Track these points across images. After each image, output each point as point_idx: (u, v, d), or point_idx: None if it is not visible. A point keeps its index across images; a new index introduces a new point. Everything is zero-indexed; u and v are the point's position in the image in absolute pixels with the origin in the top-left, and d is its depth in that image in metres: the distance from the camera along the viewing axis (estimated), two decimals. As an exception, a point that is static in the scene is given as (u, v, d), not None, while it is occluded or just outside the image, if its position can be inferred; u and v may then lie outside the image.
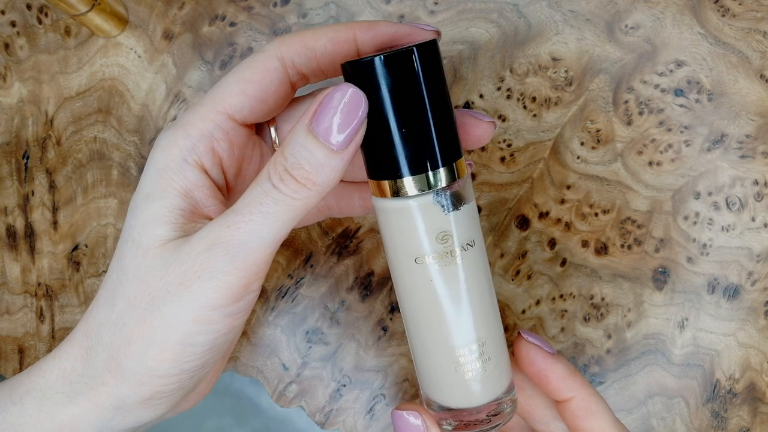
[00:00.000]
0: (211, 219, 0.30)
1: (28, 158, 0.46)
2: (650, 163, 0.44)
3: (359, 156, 0.30)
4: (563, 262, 0.44)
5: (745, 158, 0.43)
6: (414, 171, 0.29)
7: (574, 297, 0.44)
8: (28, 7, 0.46)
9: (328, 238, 0.45)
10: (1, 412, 0.30)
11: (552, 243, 0.44)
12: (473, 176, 0.44)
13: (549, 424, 0.37)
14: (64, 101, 0.45)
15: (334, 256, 0.45)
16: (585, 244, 0.44)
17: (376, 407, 0.45)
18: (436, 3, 0.44)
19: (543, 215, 0.44)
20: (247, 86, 0.30)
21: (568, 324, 0.44)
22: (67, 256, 0.46)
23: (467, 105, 0.44)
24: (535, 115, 0.44)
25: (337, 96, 0.27)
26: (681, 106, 0.44)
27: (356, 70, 0.29)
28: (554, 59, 0.44)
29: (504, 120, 0.44)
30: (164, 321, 0.28)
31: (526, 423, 0.38)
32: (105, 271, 0.44)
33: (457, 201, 0.30)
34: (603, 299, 0.44)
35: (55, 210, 0.46)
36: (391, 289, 0.44)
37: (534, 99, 0.44)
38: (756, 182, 0.43)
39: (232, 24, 0.45)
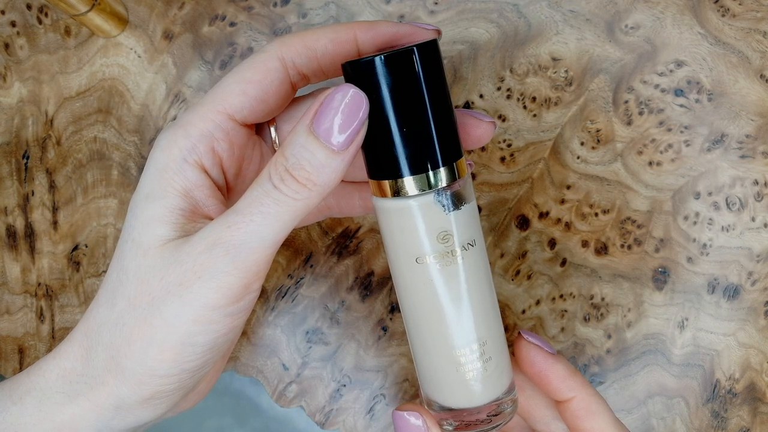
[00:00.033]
0: (211, 219, 0.30)
1: (28, 158, 0.46)
2: (650, 163, 0.44)
3: (359, 156, 0.30)
4: (563, 262, 0.44)
5: (745, 158, 0.43)
6: (414, 171, 0.29)
7: (574, 297, 0.44)
8: (28, 7, 0.46)
9: (328, 238, 0.45)
10: (1, 412, 0.30)
11: (552, 243, 0.44)
12: (473, 176, 0.44)
13: (549, 425, 0.37)
14: (64, 101, 0.45)
15: (334, 256, 0.45)
16: (585, 244, 0.44)
17: (376, 407, 0.45)
18: (436, 3, 0.44)
19: (543, 215, 0.44)
20: (247, 86, 0.30)
21: (568, 324, 0.44)
22: (67, 256, 0.46)
23: (467, 105, 0.44)
24: (535, 115, 0.44)
25: (338, 96, 0.27)
26: (681, 106, 0.44)
27: (357, 70, 0.29)
28: (554, 59, 0.44)
29: (504, 120, 0.44)
30: (164, 321, 0.28)
31: (526, 423, 0.38)
32: (105, 271, 0.44)
33: (457, 201, 0.30)
34: (603, 299, 0.44)
35: (55, 210, 0.46)
36: (391, 289, 0.44)
37: (534, 99, 0.44)
38: (756, 182, 0.43)
39: (232, 24, 0.45)
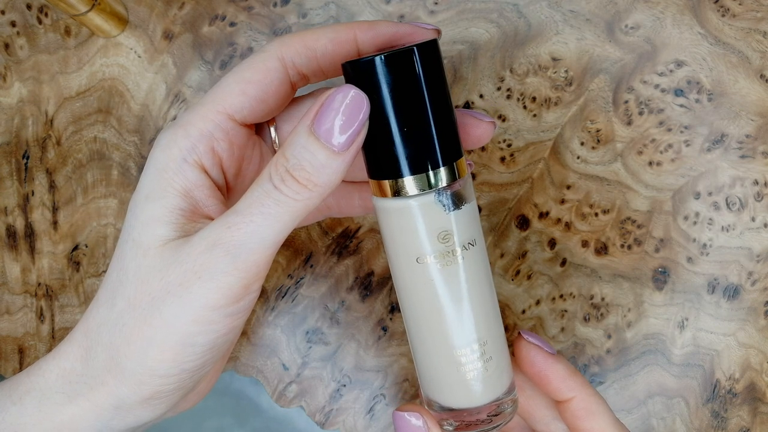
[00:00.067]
0: (211, 219, 0.30)
1: (28, 158, 0.46)
2: (650, 163, 0.44)
3: (359, 156, 0.30)
4: (563, 262, 0.44)
5: (745, 158, 0.43)
6: (414, 170, 0.29)
7: (574, 297, 0.44)
8: (28, 7, 0.46)
9: (328, 238, 0.45)
10: (1, 412, 0.30)
11: (552, 243, 0.44)
12: (473, 176, 0.44)
13: (549, 425, 0.37)
14: (64, 101, 0.45)
15: (334, 256, 0.45)
16: (585, 244, 0.44)
17: (376, 407, 0.45)
18: (436, 3, 0.44)
19: (543, 215, 0.44)
20: (247, 86, 0.30)
21: (568, 324, 0.44)
22: (67, 256, 0.46)
23: (467, 105, 0.44)
24: (535, 115, 0.44)
25: (339, 97, 0.27)
26: (681, 106, 0.44)
27: (357, 70, 0.29)
28: (554, 59, 0.44)
29: (504, 120, 0.44)
30: (164, 321, 0.28)
31: (526, 423, 0.38)
32: (105, 271, 0.44)
33: (457, 200, 0.30)
34: (603, 299, 0.44)
35: (55, 210, 0.46)
36: (391, 289, 0.44)
37: (534, 99, 0.44)
38: (756, 182, 0.43)
39: (232, 24, 0.45)
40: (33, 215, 0.46)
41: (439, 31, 0.31)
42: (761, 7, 0.43)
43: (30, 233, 0.46)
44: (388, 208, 0.30)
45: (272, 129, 0.34)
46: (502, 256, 0.44)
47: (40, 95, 0.46)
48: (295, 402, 0.45)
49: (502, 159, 0.44)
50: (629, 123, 0.44)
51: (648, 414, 0.44)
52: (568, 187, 0.44)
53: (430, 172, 0.29)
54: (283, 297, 0.45)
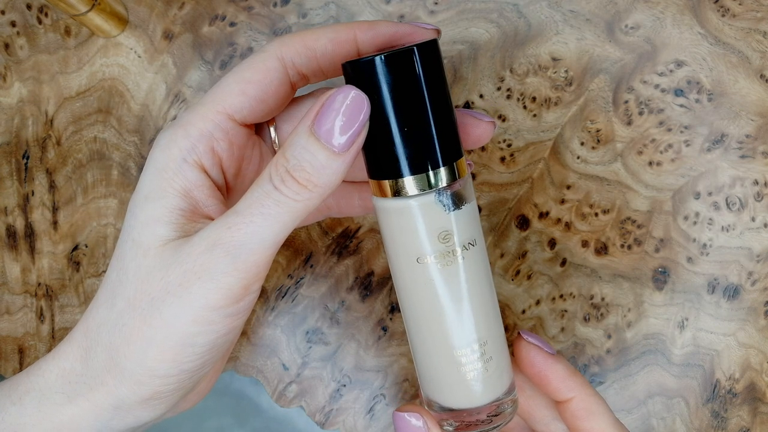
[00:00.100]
0: (211, 219, 0.30)
1: (28, 158, 0.46)
2: (650, 163, 0.44)
3: (359, 156, 0.30)
4: (563, 262, 0.44)
5: (745, 158, 0.43)
6: (415, 171, 0.29)
7: (574, 297, 0.44)
8: (28, 7, 0.46)
9: (328, 238, 0.45)
10: (1, 412, 0.30)
11: (552, 243, 0.44)
12: (473, 176, 0.44)
13: (549, 425, 0.37)
14: (64, 101, 0.45)
15: (334, 256, 0.45)
16: (585, 244, 0.44)
17: (376, 407, 0.45)
18: (436, 3, 0.44)
19: (543, 215, 0.44)
20: (247, 86, 0.30)
21: (568, 324, 0.44)
22: (67, 256, 0.46)
23: (467, 105, 0.44)
24: (535, 115, 0.44)
25: (339, 98, 0.27)
26: (681, 106, 0.44)
27: (357, 70, 0.29)
28: (554, 59, 0.44)
29: (504, 120, 0.44)
30: (164, 321, 0.28)
31: (525, 423, 0.38)
32: (105, 271, 0.44)
33: (458, 200, 0.30)
34: (603, 299, 0.44)
35: (55, 210, 0.46)
36: (391, 289, 0.44)
37: (534, 99, 0.44)
38: (756, 182, 0.43)
39: (232, 24, 0.45)
40: (33, 215, 0.46)
41: (439, 31, 0.31)
42: (761, 7, 0.43)
43: (30, 233, 0.46)
44: (388, 208, 0.30)
45: (272, 129, 0.34)
46: (502, 256, 0.44)
47: (40, 95, 0.46)
48: (295, 402, 0.45)
49: (502, 159, 0.44)
50: (629, 123, 0.44)
51: (648, 414, 0.44)
52: (568, 187, 0.44)
53: (430, 172, 0.29)
54: (283, 297, 0.45)
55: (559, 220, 0.44)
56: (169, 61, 0.45)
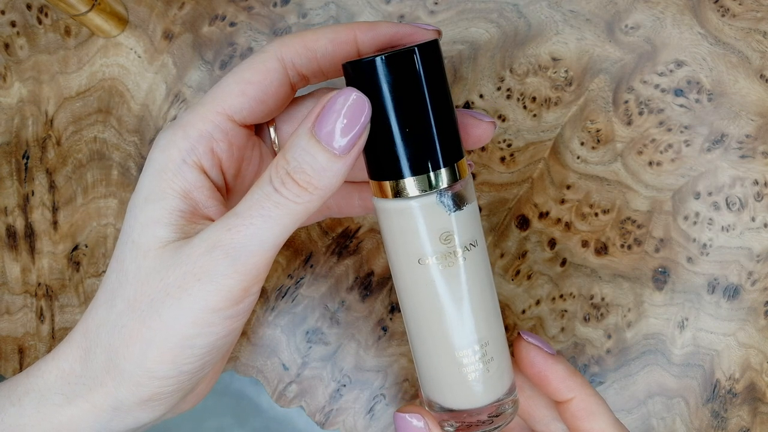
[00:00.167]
0: (211, 220, 0.30)
1: (28, 158, 0.46)
2: (650, 163, 0.44)
3: (359, 156, 0.30)
4: (563, 262, 0.44)
5: (745, 158, 0.43)
6: (415, 171, 0.29)
7: (574, 297, 0.44)
8: (28, 7, 0.46)
9: (328, 238, 0.45)
10: (0, 413, 0.30)
11: (552, 243, 0.44)
12: (473, 176, 0.44)
13: (549, 425, 0.37)
14: (64, 101, 0.45)
15: (334, 256, 0.45)
16: (585, 244, 0.44)
17: (376, 407, 0.45)
18: (436, 3, 0.44)
19: (543, 215, 0.44)
20: (246, 87, 0.30)
21: (568, 324, 0.44)
22: (67, 256, 0.46)
23: (467, 105, 0.44)
24: (535, 115, 0.44)
25: (341, 100, 0.27)
26: (681, 106, 0.44)
27: (357, 71, 0.29)
28: (554, 59, 0.44)
29: (504, 120, 0.44)
30: (163, 323, 0.28)
31: (525, 424, 0.38)
32: (105, 271, 0.44)
33: (459, 201, 0.30)
34: (603, 299, 0.44)
35: (55, 210, 0.46)
36: (391, 289, 0.44)
37: (534, 99, 0.44)
38: (756, 182, 0.43)
39: (232, 24, 0.44)
40: (33, 215, 0.46)
41: (439, 32, 0.31)
42: (761, 7, 0.43)
43: (30, 233, 0.46)
44: (388, 209, 0.30)
45: (272, 130, 0.34)
46: (502, 256, 0.44)
47: (40, 95, 0.46)
48: (295, 402, 0.45)
49: (502, 159, 0.44)
50: (629, 123, 0.44)
51: (648, 414, 0.44)
52: (568, 187, 0.44)
53: (431, 173, 0.29)
54: (283, 297, 0.45)
55: (559, 220, 0.44)
56: (169, 61, 0.45)
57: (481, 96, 0.44)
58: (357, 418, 0.45)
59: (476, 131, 0.33)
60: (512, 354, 0.37)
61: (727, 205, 0.44)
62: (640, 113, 0.44)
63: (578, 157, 0.44)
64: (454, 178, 0.29)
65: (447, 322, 0.31)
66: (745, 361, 0.44)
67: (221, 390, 0.49)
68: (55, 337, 0.46)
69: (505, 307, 0.44)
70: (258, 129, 0.34)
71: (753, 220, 0.44)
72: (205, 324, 0.28)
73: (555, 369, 0.34)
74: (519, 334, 0.36)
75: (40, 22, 0.46)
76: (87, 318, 0.30)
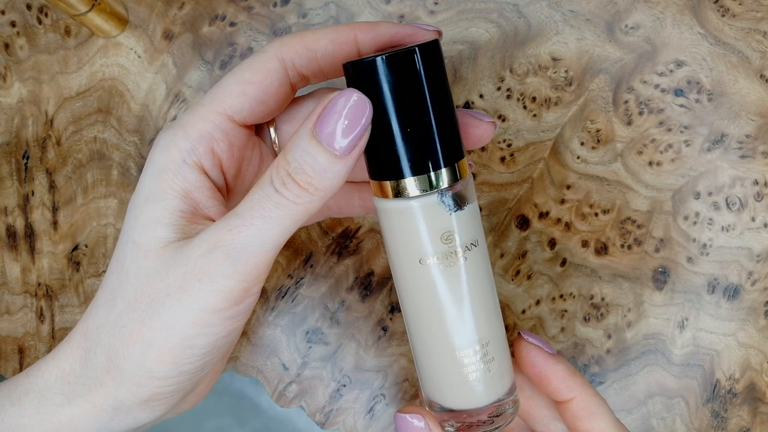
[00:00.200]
0: (211, 220, 0.30)
1: (28, 158, 0.46)
2: (650, 163, 0.44)
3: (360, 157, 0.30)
4: (563, 262, 0.44)
5: (745, 158, 0.43)
6: (416, 171, 0.29)
7: (574, 297, 0.44)
8: (28, 7, 0.46)
9: (328, 238, 0.45)
10: (0, 413, 0.30)
11: (552, 243, 0.44)
12: (473, 176, 0.44)
13: (549, 425, 0.37)
14: (64, 101, 0.45)
15: (334, 256, 0.45)
16: (585, 244, 0.44)
17: (376, 407, 0.45)
18: (436, 3, 0.44)
19: (543, 215, 0.44)
20: (247, 87, 0.30)
21: (568, 324, 0.44)
22: (67, 256, 0.46)
23: (467, 105, 0.44)
24: (535, 115, 0.44)
25: (342, 101, 0.27)
26: (681, 106, 0.44)
27: (358, 71, 0.29)
28: (554, 59, 0.44)
29: (504, 120, 0.44)
30: (163, 323, 0.28)
31: (525, 424, 0.38)
32: (105, 271, 0.44)
33: (460, 201, 0.30)
34: (603, 299, 0.44)
35: (55, 210, 0.46)
36: (391, 289, 0.44)
37: (534, 99, 0.44)
38: (756, 182, 0.43)
39: (232, 24, 0.44)
40: (33, 215, 0.46)
41: (440, 33, 0.31)
42: (761, 7, 0.43)
43: (30, 233, 0.46)
44: (389, 209, 0.30)
45: (272, 130, 0.34)
46: (502, 256, 0.44)
47: (40, 95, 0.46)
48: (295, 402, 0.45)
49: (502, 159, 0.44)
50: (629, 123, 0.44)
51: (648, 414, 0.44)
52: (568, 187, 0.44)
53: (432, 173, 0.29)
54: (283, 297, 0.45)
55: (559, 220, 0.44)
56: (169, 61, 0.45)
57: (481, 96, 0.44)
58: (357, 418, 0.45)
59: (476, 131, 0.33)
60: (512, 354, 0.37)
61: (727, 205, 0.44)
62: (640, 113, 0.44)
63: (578, 157, 0.44)
64: (454, 178, 0.29)
65: (448, 321, 0.31)
66: (745, 361, 0.44)
67: (221, 390, 0.49)
68: (55, 337, 0.46)
69: (505, 307, 0.44)
70: (258, 129, 0.34)
71: (753, 220, 0.44)
72: (205, 324, 0.28)
73: (555, 369, 0.34)
74: (519, 334, 0.36)
75: (40, 22, 0.46)
76: (87, 318, 0.30)
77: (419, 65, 0.28)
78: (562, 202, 0.44)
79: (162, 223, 0.29)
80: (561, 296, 0.44)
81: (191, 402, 0.34)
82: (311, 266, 0.45)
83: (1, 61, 0.46)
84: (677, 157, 0.44)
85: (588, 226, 0.44)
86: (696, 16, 0.43)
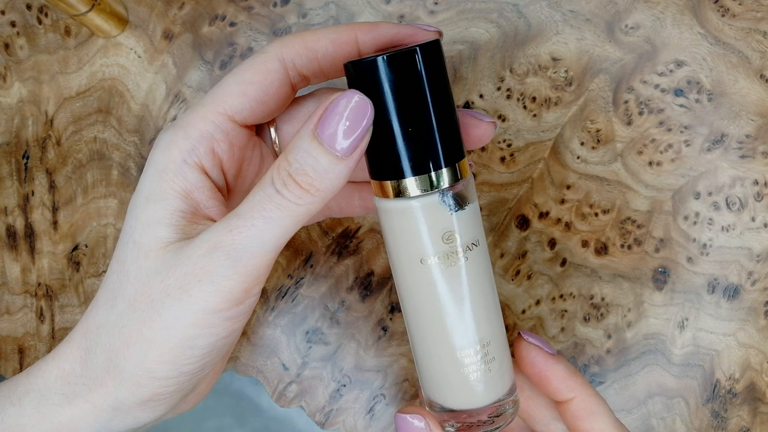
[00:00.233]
0: (212, 220, 0.30)
1: (28, 158, 0.46)
2: (650, 163, 0.44)
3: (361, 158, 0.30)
4: (563, 262, 0.44)
5: (745, 158, 0.43)
6: (417, 171, 0.29)
7: (574, 297, 0.44)
8: (28, 7, 0.46)
9: (328, 238, 0.45)
10: (0, 413, 0.30)
11: (552, 243, 0.44)
12: (473, 176, 0.44)
13: (549, 425, 0.37)
14: (64, 101, 0.45)
15: (334, 256, 0.45)
16: (585, 244, 0.44)
17: (376, 407, 0.45)
18: (436, 3, 0.44)
19: (543, 215, 0.44)
20: (247, 87, 0.30)
21: (568, 324, 0.44)
22: (67, 256, 0.46)
23: (467, 105, 0.44)
24: (535, 115, 0.44)
25: (343, 102, 0.27)
26: (681, 106, 0.44)
27: (359, 70, 0.28)
28: (554, 59, 0.44)
29: (504, 120, 0.44)
30: (164, 324, 0.28)
31: (525, 424, 0.38)
32: (105, 271, 0.44)
33: (461, 201, 0.30)
34: (603, 299, 0.44)
35: (55, 210, 0.46)
36: (391, 289, 0.44)
37: (534, 99, 0.44)
38: (756, 182, 0.43)
39: (232, 24, 0.44)
40: (33, 215, 0.46)
41: (440, 33, 0.31)
42: (761, 7, 0.43)
43: (30, 233, 0.46)
44: (390, 208, 0.30)
45: (272, 130, 0.34)
46: (502, 256, 0.44)
47: (40, 95, 0.45)
48: (295, 402, 0.45)
49: (502, 159, 0.44)
50: (629, 123, 0.44)
51: (648, 414, 0.44)
52: (568, 187, 0.44)
53: (433, 173, 0.29)
54: (283, 297, 0.45)
55: (559, 220, 0.44)
56: (169, 61, 0.45)
57: (481, 96, 0.44)
58: (357, 418, 0.45)
59: (477, 131, 0.33)
60: (512, 354, 0.37)
61: (727, 205, 0.44)
62: (640, 113, 0.44)
63: (578, 157, 0.44)
64: (455, 178, 0.29)
65: (448, 322, 0.31)
66: (745, 361, 0.44)
67: (221, 390, 0.49)
68: (55, 337, 0.46)
69: (505, 307, 0.44)
70: (259, 129, 0.34)
71: (753, 220, 0.44)
72: (205, 325, 0.28)
73: (555, 369, 0.34)
74: (519, 334, 0.36)
75: (40, 22, 0.46)
76: (87, 318, 0.30)
77: (420, 65, 0.28)
78: (562, 202, 0.44)
79: (162, 224, 0.29)
80: (561, 296, 0.44)
81: (191, 402, 0.34)
82: (311, 266, 0.45)
83: (1, 61, 0.46)
84: (677, 157, 0.44)
85: (588, 226, 0.44)
86: (696, 16, 0.43)
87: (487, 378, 0.31)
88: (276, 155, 0.35)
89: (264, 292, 0.45)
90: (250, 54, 0.44)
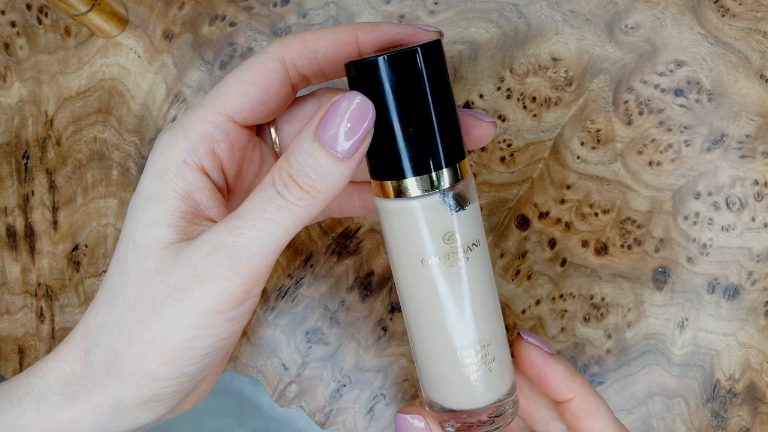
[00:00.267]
0: (212, 221, 0.30)
1: (28, 158, 0.46)
2: (650, 163, 0.44)
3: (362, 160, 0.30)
4: (563, 262, 0.44)
5: (745, 158, 0.43)
6: (418, 171, 0.29)
7: (574, 297, 0.44)
8: (28, 7, 0.46)
9: (328, 238, 0.45)
10: (0, 413, 0.30)
11: (552, 243, 0.44)
12: (474, 176, 0.44)
13: (548, 425, 0.37)
14: (64, 101, 0.45)
15: (334, 256, 0.45)
16: (585, 244, 0.44)
17: (376, 407, 0.45)
18: (436, 3, 0.44)
19: (543, 215, 0.44)
20: (247, 88, 0.30)
21: (568, 324, 0.44)
22: (67, 256, 0.46)
23: (467, 105, 0.44)
24: (535, 115, 0.44)
25: (344, 104, 0.27)
26: (681, 106, 0.44)
27: (360, 70, 0.28)
28: (554, 59, 0.44)
29: (504, 120, 0.44)
30: (164, 325, 0.28)
31: (525, 424, 0.38)
32: (105, 271, 0.44)
33: (461, 201, 0.30)
34: (603, 299, 0.44)
35: (55, 210, 0.46)
36: (391, 289, 0.44)
37: (534, 99, 0.44)
38: (756, 182, 0.43)
39: (232, 24, 0.44)
40: (33, 215, 0.46)
41: (441, 33, 0.31)
42: (761, 7, 0.43)
43: (30, 233, 0.46)
44: (390, 209, 0.30)
45: (273, 130, 0.34)
46: (502, 256, 0.44)
47: (40, 95, 0.45)
48: (295, 402, 0.45)
49: (502, 159, 0.44)
50: (629, 123, 0.44)
51: (648, 414, 0.44)
52: (568, 187, 0.44)
53: (434, 173, 0.29)
54: (283, 297, 0.45)
55: (559, 220, 0.44)
56: (169, 61, 0.45)
57: (481, 96, 0.44)
58: (357, 418, 0.45)
59: (477, 131, 0.33)
60: (512, 354, 0.37)
61: (727, 205, 0.44)
62: (640, 113, 0.44)
63: (578, 157, 0.44)
64: (456, 178, 0.29)
65: (449, 322, 0.31)
66: (745, 361, 0.44)
67: (221, 390, 0.49)
68: (55, 337, 0.46)
69: (505, 307, 0.44)
70: (259, 129, 0.34)
71: (753, 220, 0.44)
72: (205, 326, 0.28)
73: (555, 369, 0.34)
74: (519, 334, 0.36)
75: (40, 22, 0.46)
76: (87, 319, 0.30)
77: (421, 65, 0.28)
78: (562, 202, 0.44)
79: (163, 224, 0.29)
80: (561, 296, 0.44)
81: (191, 402, 0.34)
82: (311, 266, 0.45)
83: (1, 61, 0.46)
84: (677, 157, 0.44)
85: (588, 226, 0.44)
86: (696, 16, 0.43)
87: (487, 378, 0.31)
88: (276, 156, 0.35)
89: (264, 292, 0.45)
90: (250, 54, 0.44)
